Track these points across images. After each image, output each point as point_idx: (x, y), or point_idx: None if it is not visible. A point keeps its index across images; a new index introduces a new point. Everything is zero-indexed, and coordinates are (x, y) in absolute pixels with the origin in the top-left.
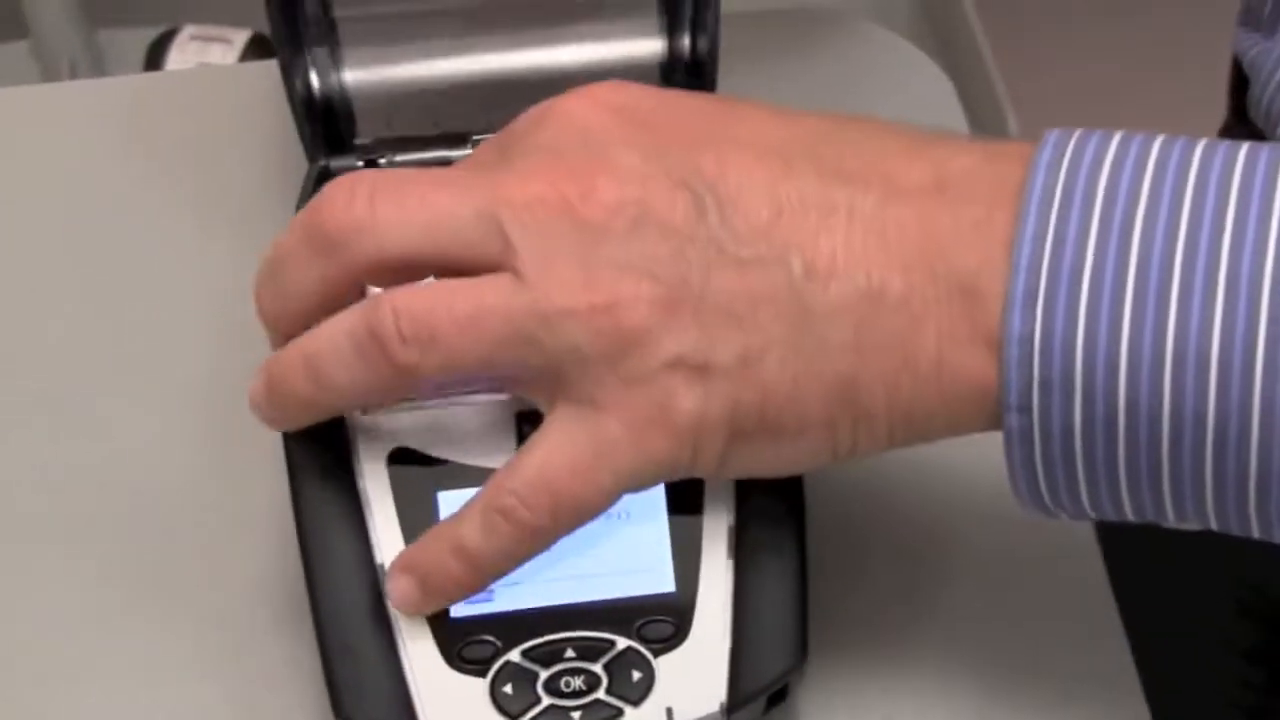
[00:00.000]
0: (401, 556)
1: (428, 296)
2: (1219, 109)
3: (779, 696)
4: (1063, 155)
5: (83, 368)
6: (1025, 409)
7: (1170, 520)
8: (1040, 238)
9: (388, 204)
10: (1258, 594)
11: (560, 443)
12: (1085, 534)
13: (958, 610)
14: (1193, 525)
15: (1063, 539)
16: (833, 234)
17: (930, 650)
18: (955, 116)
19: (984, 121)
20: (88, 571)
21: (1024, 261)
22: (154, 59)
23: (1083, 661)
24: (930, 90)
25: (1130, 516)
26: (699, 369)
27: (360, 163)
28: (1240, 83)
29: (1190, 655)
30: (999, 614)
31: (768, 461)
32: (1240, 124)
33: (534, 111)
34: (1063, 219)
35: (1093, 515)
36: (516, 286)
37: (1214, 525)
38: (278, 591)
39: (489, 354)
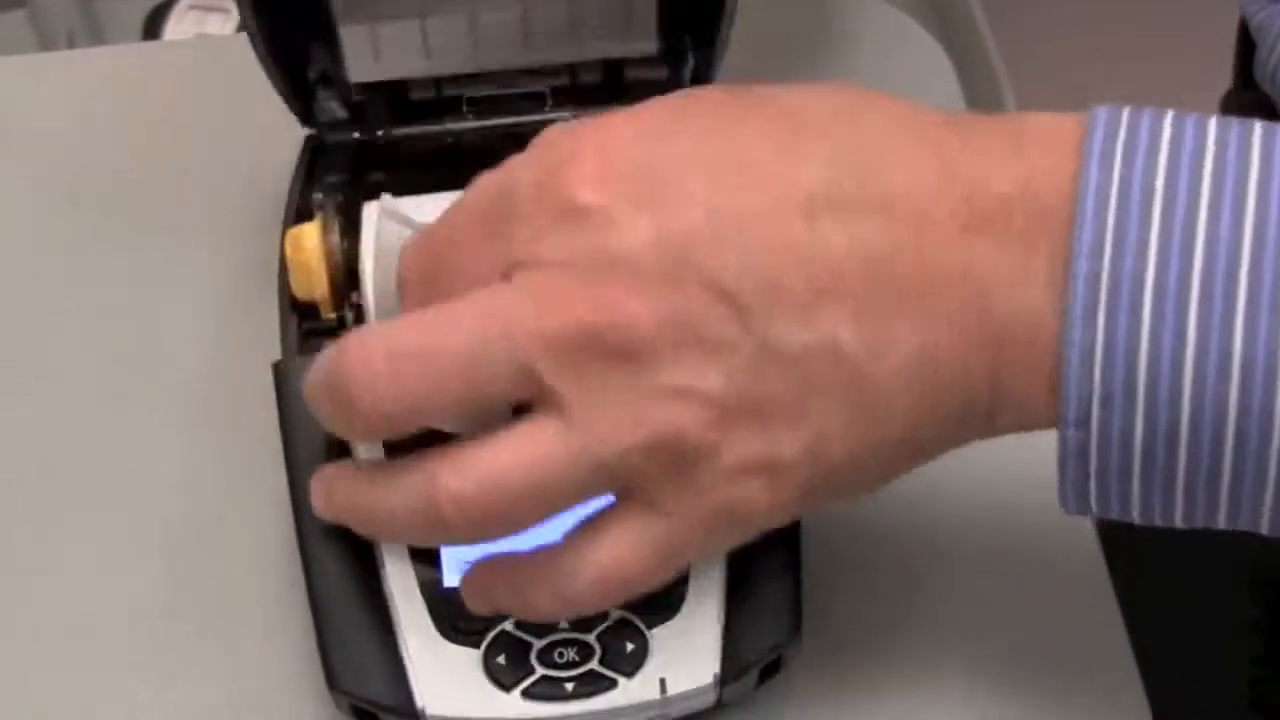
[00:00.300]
0: (476, 581)
1: (482, 478)
2: (1222, 75)
3: (772, 670)
4: (1114, 147)
5: (79, 340)
6: (1084, 422)
7: (1219, 525)
8: (1098, 246)
9: (409, 370)
10: (1259, 564)
11: (628, 544)
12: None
13: (955, 582)
14: (1242, 529)
15: (1059, 513)
16: (879, 304)
17: (924, 622)
18: (951, 90)
19: (981, 96)
20: (80, 551)
21: (1083, 271)
22: (152, 28)
23: (1075, 634)
24: (927, 63)
25: (1178, 523)
26: (766, 468)
27: (356, 133)
28: (1246, 46)
29: (1188, 626)
30: (993, 584)
31: (829, 506)
32: (1246, 88)
33: (528, 175)
34: (1121, 224)
35: (1138, 521)
36: (566, 432)
37: (1265, 530)
38: (271, 565)
39: (551, 508)
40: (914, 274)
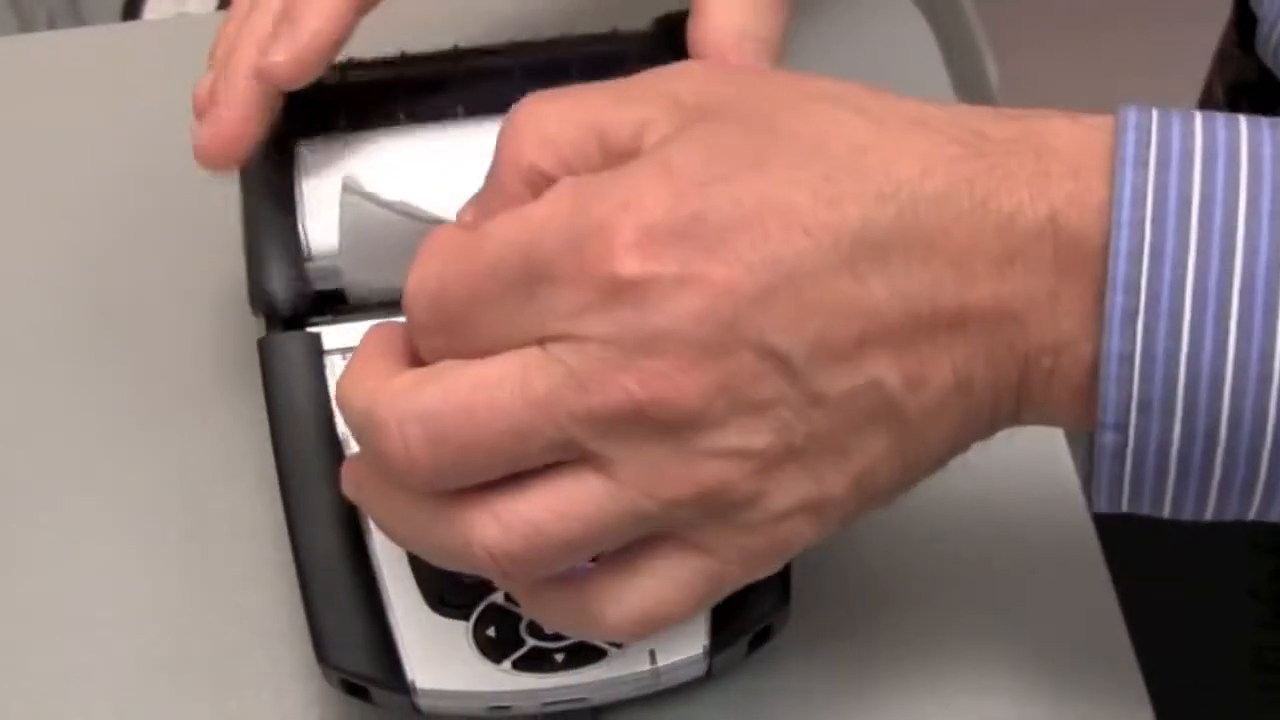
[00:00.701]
0: (500, 581)
1: (524, 531)
2: (1207, 50)
3: (762, 639)
4: (1147, 153)
5: (63, 323)
6: (1121, 427)
7: (1249, 518)
8: (1136, 254)
9: (448, 452)
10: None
11: (670, 584)
12: (1072, 475)
13: (944, 552)
14: (1272, 520)
15: (1050, 483)
16: (918, 342)
17: (915, 590)
18: (932, 57)
19: (961, 64)
20: (66, 531)
21: (1120, 279)
22: (132, 9)
23: (1069, 612)
24: (906, 31)
25: (1207, 518)
26: (813, 507)
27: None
28: (1245, 16)
29: (1189, 591)
30: (984, 551)
31: None
32: (1245, 55)
33: (559, 235)
34: (1158, 230)
35: (1167, 516)
36: (609, 486)
37: None
38: (260, 539)
39: (585, 554)
40: (951, 311)
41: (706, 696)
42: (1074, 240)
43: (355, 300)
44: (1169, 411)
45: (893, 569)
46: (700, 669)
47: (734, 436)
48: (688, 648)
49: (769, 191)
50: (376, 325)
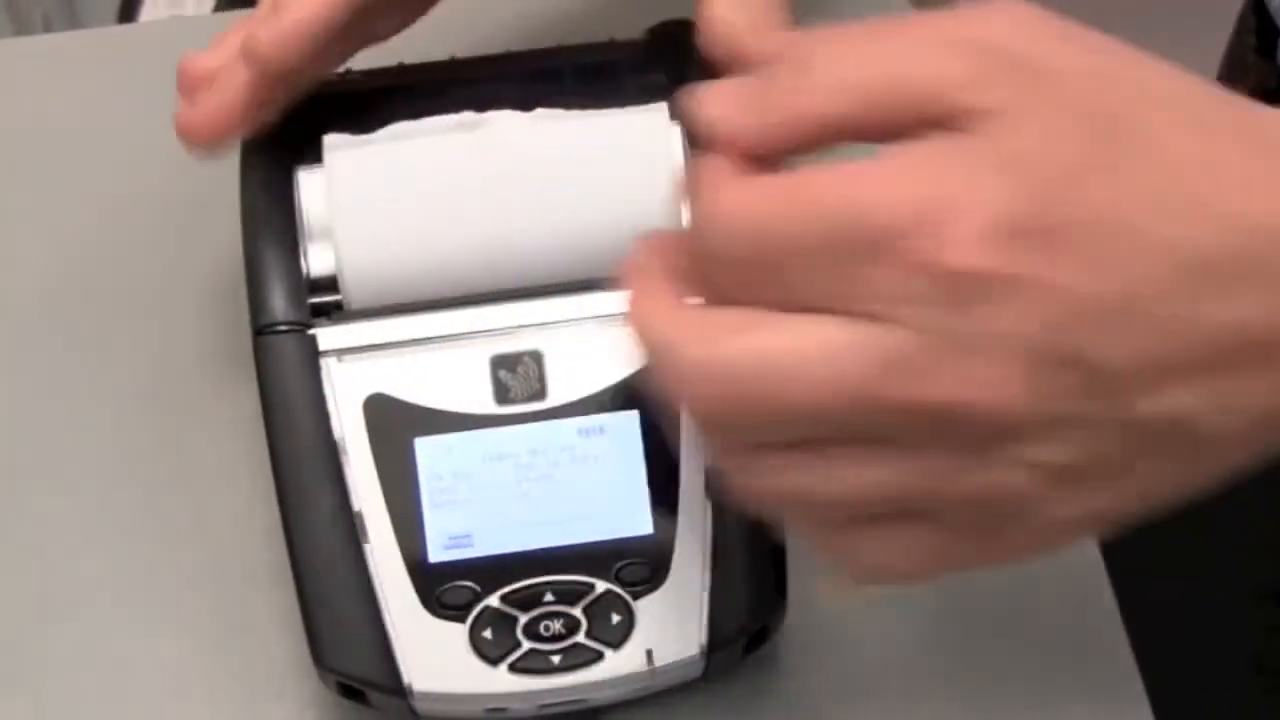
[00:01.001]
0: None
1: (785, 494)
2: (1210, 44)
3: (759, 640)
4: None
5: (62, 323)
6: None
7: None
8: None
9: (737, 411)
10: (1268, 532)
11: (908, 554)
12: None
13: None
14: None
15: None
16: (1238, 373)
17: (912, 589)
18: None
19: None
20: (65, 533)
21: None
22: (127, 11)
23: (1066, 606)
24: None
25: None
26: (1084, 520)
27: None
28: (1265, 26)
29: (1189, 593)
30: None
31: None
32: (1265, 62)
33: (893, 208)
34: None
35: None
36: (894, 474)
37: None
38: (257, 542)
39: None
40: (1272, 340)
41: (703, 698)
42: None
43: (353, 307)
44: None
45: None
46: (697, 669)
47: (1040, 450)
48: (684, 648)
49: (1116, 204)
50: (651, 239)
